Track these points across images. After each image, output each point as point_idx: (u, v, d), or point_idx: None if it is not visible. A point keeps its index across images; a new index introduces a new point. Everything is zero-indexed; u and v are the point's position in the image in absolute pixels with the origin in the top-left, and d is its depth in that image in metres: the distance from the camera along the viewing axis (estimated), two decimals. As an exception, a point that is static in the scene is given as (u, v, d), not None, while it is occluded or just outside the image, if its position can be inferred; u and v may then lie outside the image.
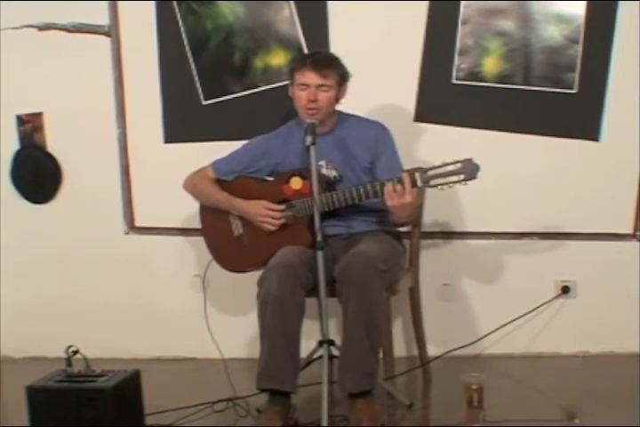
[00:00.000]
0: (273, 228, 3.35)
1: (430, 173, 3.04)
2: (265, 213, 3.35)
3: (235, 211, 3.44)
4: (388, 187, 3.09)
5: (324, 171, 3.36)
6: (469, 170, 2.98)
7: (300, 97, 3.30)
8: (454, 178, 3.00)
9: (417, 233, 3.68)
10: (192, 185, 3.56)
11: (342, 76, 3.33)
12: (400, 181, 3.07)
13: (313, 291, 3.16)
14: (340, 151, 3.38)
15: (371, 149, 3.39)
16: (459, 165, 3.00)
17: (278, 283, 3.10)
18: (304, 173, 3.25)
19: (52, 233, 4.21)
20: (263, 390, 3.16)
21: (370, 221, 3.40)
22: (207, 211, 3.56)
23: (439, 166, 3.03)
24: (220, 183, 3.50)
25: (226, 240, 3.49)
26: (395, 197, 3.08)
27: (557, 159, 3.87)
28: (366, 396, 3.10)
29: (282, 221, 3.34)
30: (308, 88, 3.27)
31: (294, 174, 3.34)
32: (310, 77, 3.27)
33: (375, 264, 3.13)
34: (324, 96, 3.28)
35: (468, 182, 3.00)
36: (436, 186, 3.05)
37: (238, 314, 4.03)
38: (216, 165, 3.53)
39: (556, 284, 3.95)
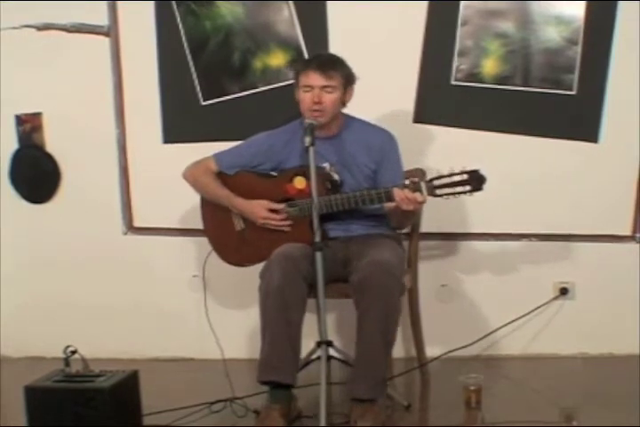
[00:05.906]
0: (283, 229, 3.32)
1: (436, 182, 3.00)
2: (266, 215, 3.33)
3: (235, 210, 3.42)
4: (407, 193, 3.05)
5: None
6: (476, 181, 2.95)
7: (305, 99, 3.27)
8: (460, 189, 2.97)
9: (416, 234, 3.69)
10: (193, 178, 3.52)
11: (347, 78, 3.29)
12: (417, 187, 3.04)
13: (312, 290, 3.14)
14: (342, 156, 3.35)
15: (374, 156, 3.37)
16: (465, 175, 2.96)
17: (281, 274, 3.09)
18: (307, 173, 3.18)
19: (50, 233, 4.20)
20: (264, 383, 3.14)
21: (368, 225, 3.38)
22: (208, 204, 3.52)
23: (445, 176, 2.99)
24: (222, 177, 3.46)
25: (227, 234, 3.47)
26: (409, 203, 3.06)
27: (556, 161, 3.87)
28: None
29: (287, 222, 3.32)
30: (312, 90, 3.24)
31: (297, 174, 3.30)
32: (314, 79, 3.24)
33: (392, 271, 3.11)
34: (328, 98, 3.24)
35: (475, 194, 2.98)
36: (441, 196, 3.02)
37: (237, 314, 4.02)
38: (219, 157, 3.49)
39: (554, 285, 3.95)
